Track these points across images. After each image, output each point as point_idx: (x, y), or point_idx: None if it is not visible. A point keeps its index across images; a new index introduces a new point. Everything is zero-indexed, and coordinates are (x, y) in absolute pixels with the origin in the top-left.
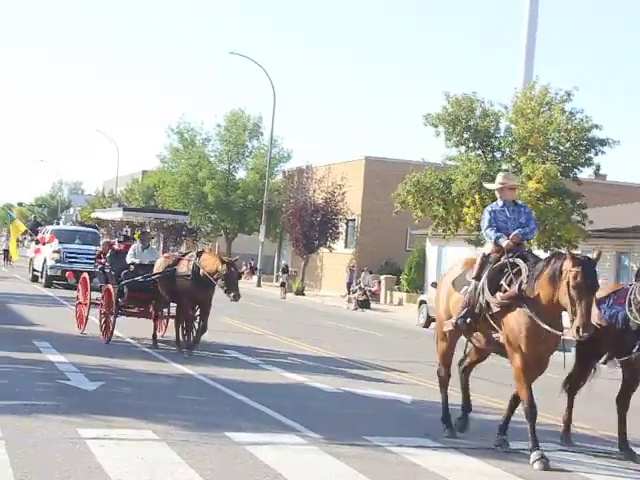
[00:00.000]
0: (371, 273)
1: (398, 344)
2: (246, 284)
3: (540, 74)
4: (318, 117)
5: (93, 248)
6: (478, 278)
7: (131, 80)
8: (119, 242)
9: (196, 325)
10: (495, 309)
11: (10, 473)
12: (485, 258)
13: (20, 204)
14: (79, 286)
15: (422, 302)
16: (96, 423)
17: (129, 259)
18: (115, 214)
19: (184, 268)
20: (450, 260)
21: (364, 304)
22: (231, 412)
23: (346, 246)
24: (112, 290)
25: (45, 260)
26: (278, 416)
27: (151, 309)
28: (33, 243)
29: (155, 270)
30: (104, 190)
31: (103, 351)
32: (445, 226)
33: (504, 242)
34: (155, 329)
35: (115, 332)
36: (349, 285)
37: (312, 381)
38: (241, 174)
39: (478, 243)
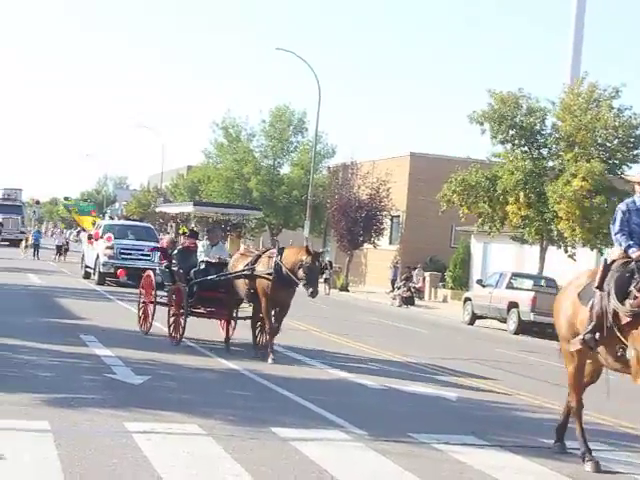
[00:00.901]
0: (422, 270)
1: (443, 341)
2: None
3: (588, 71)
4: (363, 113)
5: (147, 244)
6: (601, 287)
7: (177, 75)
8: (186, 237)
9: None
10: (625, 319)
11: (58, 466)
12: (608, 265)
13: (66, 198)
14: (142, 284)
15: (467, 299)
16: (143, 417)
17: (201, 257)
18: (184, 208)
19: (264, 266)
20: (495, 257)
21: (408, 301)
22: (276, 407)
23: (390, 242)
24: (182, 289)
25: (98, 256)
26: (323, 412)
27: (222, 310)
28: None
29: (231, 268)
30: (149, 185)
31: (149, 345)
32: (491, 223)
33: (635, 253)
34: (227, 332)
35: (161, 327)
36: (393, 282)
37: (357, 377)
38: (286, 169)
39: (523, 240)
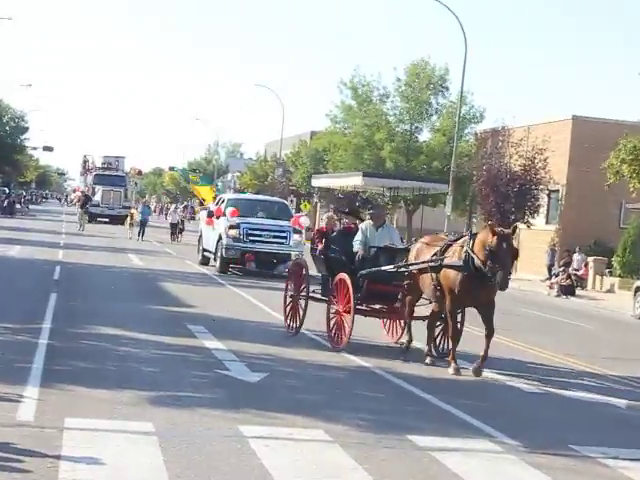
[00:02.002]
0: (585, 254)
1: (609, 338)
2: None
3: None
4: (516, 71)
5: (282, 224)
6: None
7: (298, 30)
8: (344, 214)
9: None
10: None
11: (164, 473)
12: None
13: (172, 168)
14: (290, 275)
15: (639, 289)
16: (260, 420)
17: (358, 242)
18: (349, 180)
19: (454, 257)
20: None
21: (568, 290)
22: (413, 412)
23: (547, 222)
24: (348, 282)
25: (220, 238)
26: (468, 418)
27: (397, 308)
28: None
29: (412, 258)
30: (266, 154)
31: (266, 338)
32: None
33: None
34: (401, 332)
35: (278, 316)
36: (550, 268)
37: (509, 380)
38: (425, 136)
39: None
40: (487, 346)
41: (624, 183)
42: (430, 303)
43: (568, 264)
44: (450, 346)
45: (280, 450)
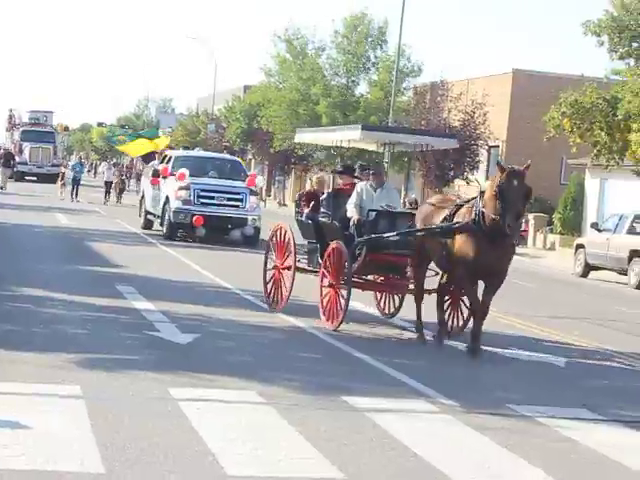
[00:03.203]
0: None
1: (549, 296)
2: None
3: None
4: (455, 25)
5: (237, 185)
6: None
7: None
8: (338, 174)
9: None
10: None
11: (92, 438)
12: None
13: (100, 124)
14: (270, 243)
15: (579, 246)
16: (191, 382)
17: (352, 205)
18: (346, 134)
19: (465, 218)
20: (614, 196)
21: None
22: (349, 372)
23: (487, 178)
24: (343, 250)
25: (167, 200)
26: (405, 379)
27: (403, 281)
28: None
29: (418, 222)
30: (198, 108)
31: (197, 298)
32: (609, 155)
33: None
34: (399, 305)
35: (220, 281)
36: None
37: (446, 338)
38: (362, 89)
39: None
40: (480, 321)
41: (565, 139)
42: (436, 275)
43: None
44: (471, 325)
45: (212, 412)
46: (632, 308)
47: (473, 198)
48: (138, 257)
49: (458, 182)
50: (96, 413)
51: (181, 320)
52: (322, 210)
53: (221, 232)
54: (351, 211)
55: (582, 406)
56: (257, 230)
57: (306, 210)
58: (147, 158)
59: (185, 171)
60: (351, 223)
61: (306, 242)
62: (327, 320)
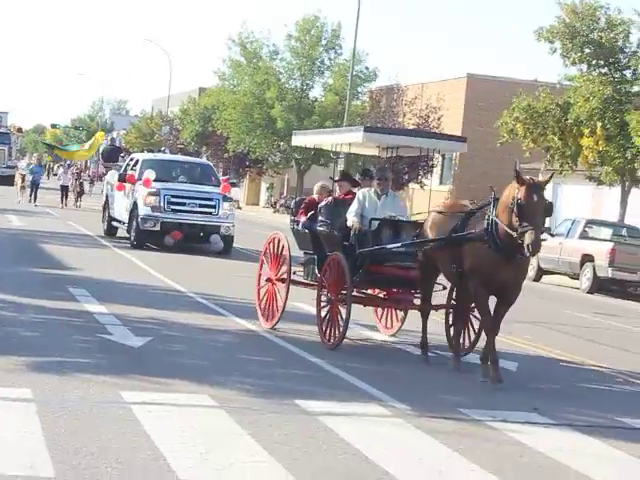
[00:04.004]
0: None
1: None
2: None
3: None
4: (409, 30)
5: (209, 190)
6: None
7: None
8: (337, 182)
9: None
10: None
11: (42, 442)
12: None
13: (54, 126)
14: (263, 258)
15: None
16: (142, 385)
17: (352, 214)
18: (347, 136)
19: (476, 228)
20: (566, 201)
21: None
22: (302, 376)
23: (441, 182)
24: (343, 262)
25: (135, 206)
26: (357, 382)
27: (409, 295)
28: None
29: (428, 231)
30: (153, 111)
31: (150, 301)
32: (561, 159)
33: None
34: (400, 325)
35: (174, 285)
36: None
37: (399, 342)
38: (316, 93)
39: (600, 181)
40: (492, 338)
41: (518, 143)
42: (443, 289)
43: None
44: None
45: (163, 416)
46: (583, 312)
47: (486, 204)
48: (91, 260)
49: (412, 186)
50: (47, 417)
51: (134, 323)
52: (320, 219)
53: (192, 240)
54: (351, 220)
55: (533, 410)
56: (231, 238)
57: (303, 218)
58: (109, 158)
59: (151, 176)
60: (352, 233)
61: (302, 253)
62: (324, 339)
